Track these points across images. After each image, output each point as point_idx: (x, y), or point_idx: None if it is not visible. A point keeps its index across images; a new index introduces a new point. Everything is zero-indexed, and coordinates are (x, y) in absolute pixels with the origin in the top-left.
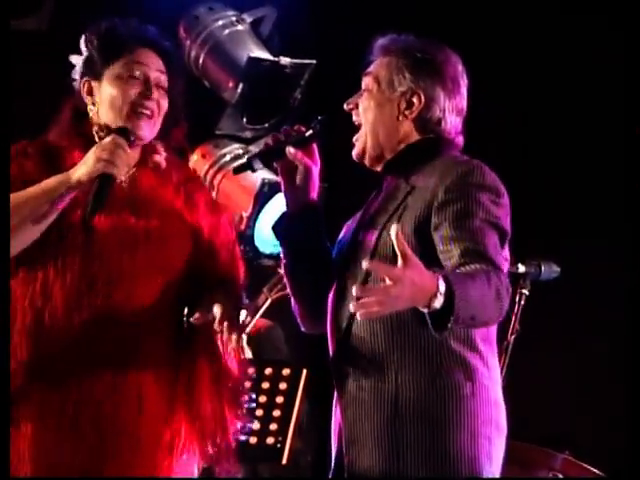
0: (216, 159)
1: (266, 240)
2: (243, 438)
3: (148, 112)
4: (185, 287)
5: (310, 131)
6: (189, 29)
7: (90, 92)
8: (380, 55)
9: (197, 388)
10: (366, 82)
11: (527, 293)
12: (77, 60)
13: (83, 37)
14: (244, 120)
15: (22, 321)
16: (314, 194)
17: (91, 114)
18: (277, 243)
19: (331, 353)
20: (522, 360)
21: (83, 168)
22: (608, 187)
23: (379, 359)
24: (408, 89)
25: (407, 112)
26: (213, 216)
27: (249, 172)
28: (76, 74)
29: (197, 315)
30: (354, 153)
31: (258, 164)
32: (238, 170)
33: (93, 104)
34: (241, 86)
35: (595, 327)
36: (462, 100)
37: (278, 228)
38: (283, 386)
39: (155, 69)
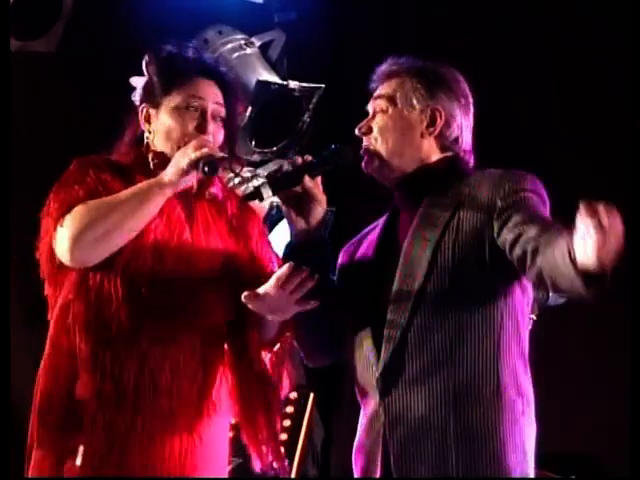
0: (225, 182)
1: None
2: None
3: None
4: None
5: (326, 160)
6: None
7: (148, 119)
8: (388, 78)
9: (252, 402)
10: (379, 104)
11: (535, 318)
12: (137, 82)
13: (144, 60)
14: (253, 143)
15: (85, 326)
16: (320, 225)
17: (147, 141)
18: None
19: (382, 370)
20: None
21: (172, 169)
22: (609, 192)
23: (435, 371)
24: (427, 107)
25: (431, 129)
26: (264, 246)
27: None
28: (136, 97)
29: (246, 294)
30: (368, 168)
31: (268, 191)
32: (247, 198)
33: (150, 132)
34: (250, 109)
35: (599, 354)
36: (472, 118)
37: (285, 258)
38: (290, 410)
39: (213, 101)
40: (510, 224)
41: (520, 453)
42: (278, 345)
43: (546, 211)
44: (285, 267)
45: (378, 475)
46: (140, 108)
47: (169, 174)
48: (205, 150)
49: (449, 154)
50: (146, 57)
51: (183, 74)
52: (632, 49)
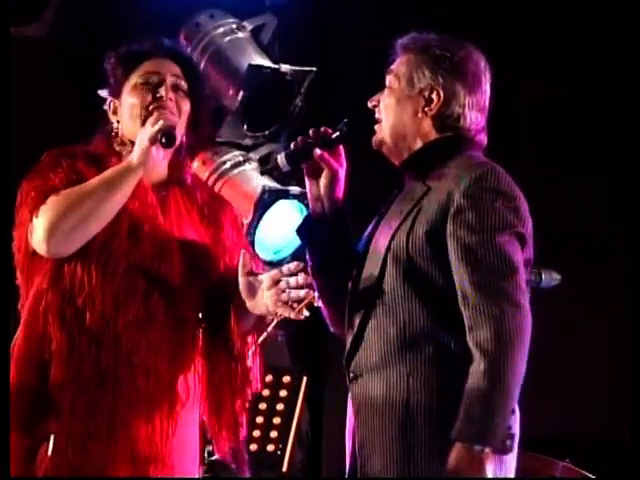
0: (216, 166)
1: (267, 247)
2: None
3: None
4: (211, 300)
5: (337, 133)
6: (190, 36)
7: (115, 111)
8: (401, 53)
9: (221, 387)
10: (388, 80)
11: None
12: (104, 92)
13: (105, 63)
14: (244, 127)
15: (59, 315)
16: (340, 197)
17: (116, 131)
18: (277, 250)
19: (346, 354)
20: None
21: (137, 148)
22: (609, 193)
23: (391, 362)
24: (427, 86)
25: (426, 109)
26: (237, 235)
27: (249, 179)
28: (105, 104)
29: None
30: (373, 142)
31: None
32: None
33: (118, 122)
34: (241, 93)
35: (596, 334)
36: (483, 96)
37: (302, 230)
38: (283, 393)
39: (171, 74)
40: (453, 254)
41: None
42: (252, 336)
43: (498, 208)
44: (286, 267)
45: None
46: (108, 105)
47: (135, 155)
48: (161, 122)
49: (448, 134)
50: (105, 59)
51: (139, 57)
52: (632, 49)
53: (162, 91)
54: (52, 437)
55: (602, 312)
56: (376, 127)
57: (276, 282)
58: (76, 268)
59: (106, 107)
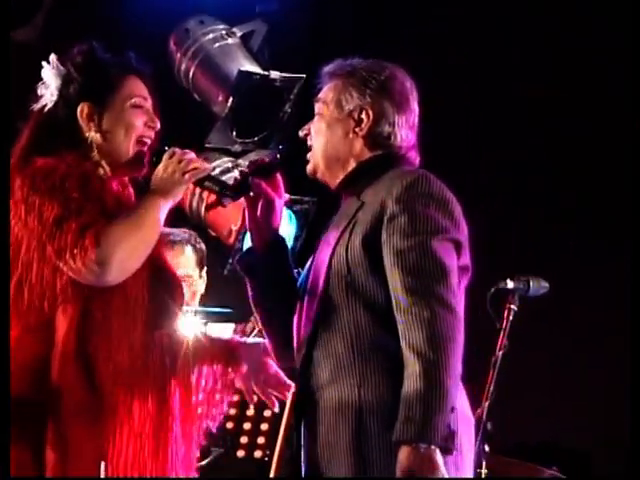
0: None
1: None
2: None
3: (149, 141)
4: None
5: (269, 161)
6: (179, 42)
7: (90, 117)
8: (328, 80)
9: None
10: (317, 107)
11: (515, 309)
12: (54, 78)
13: (69, 60)
14: (234, 134)
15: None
16: (277, 226)
17: (90, 139)
18: None
19: (297, 375)
20: (510, 376)
21: (171, 185)
22: (598, 202)
23: (341, 376)
24: (356, 106)
25: (357, 129)
26: None
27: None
28: (50, 90)
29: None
30: (307, 170)
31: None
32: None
33: (96, 131)
34: (231, 100)
35: (584, 342)
36: (412, 114)
37: (242, 263)
38: None
39: (148, 98)
40: (387, 259)
41: None
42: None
43: (431, 212)
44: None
45: None
46: (80, 107)
47: (168, 191)
48: (205, 172)
49: (379, 152)
50: (72, 56)
51: (126, 69)
52: (632, 49)
53: (157, 122)
54: (102, 465)
55: (600, 317)
56: (308, 156)
57: None
58: (110, 300)
59: (81, 113)
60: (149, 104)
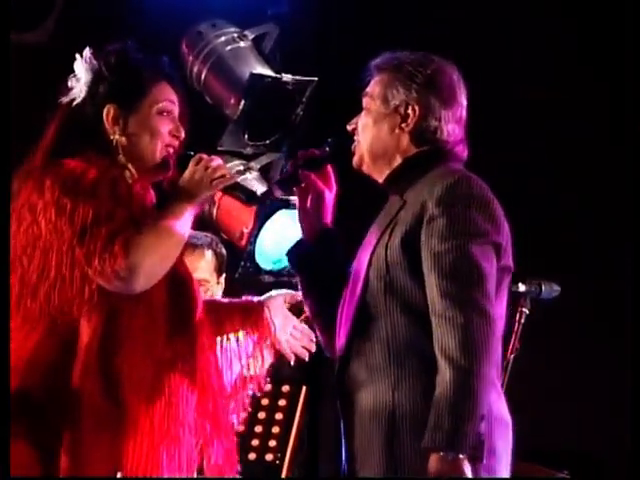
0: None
1: (267, 256)
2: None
3: (172, 150)
4: None
5: (321, 153)
6: (191, 45)
7: (116, 120)
8: (375, 74)
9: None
10: (365, 101)
11: (527, 312)
12: (85, 72)
13: (102, 58)
14: (245, 137)
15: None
16: (328, 219)
17: (116, 142)
18: (278, 259)
19: (336, 371)
20: (522, 378)
21: (199, 191)
22: (609, 205)
23: (377, 377)
24: (402, 102)
25: (403, 125)
26: None
27: (250, 188)
28: (80, 85)
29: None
30: (353, 163)
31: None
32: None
33: (120, 135)
34: (243, 102)
35: (596, 345)
36: (460, 108)
37: (292, 255)
38: (283, 403)
39: (176, 105)
40: (426, 263)
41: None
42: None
43: (471, 215)
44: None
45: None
46: (106, 107)
47: (195, 196)
48: (233, 180)
49: (425, 148)
50: (104, 56)
51: (157, 73)
52: (633, 49)
53: (181, 132)
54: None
55: (603, 322)
56: (353, 148)
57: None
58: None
59: (107, 114)
60: (176, 111)
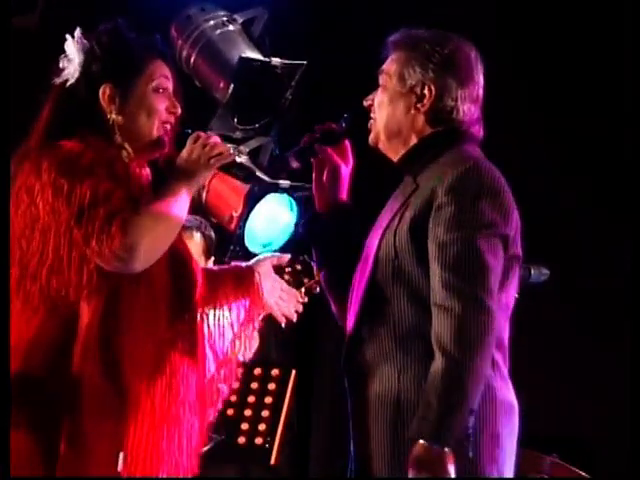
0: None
1: (256, 240)
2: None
3: (169, 126)
4: None
5: (338, 128)
6: (181, 29)
7: (112, 99)
8: (392, 51)
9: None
10: (381, 78)
11: (516, 296)
12: (77, 53)
13: (95, 38)
14: (235, 120)
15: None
16: (343, 193)
17: (112, 121)
18: (267, 243)
19: (343, 354)
20: (513, 363)
21: (197, 171)
22: (598, 188)
23: (383, 361)
24: (418, 82)
25: (419, 105)
26: None
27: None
28: (73, 65)
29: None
30: (369, 140)
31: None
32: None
33: (117, 113)
34: (232, 86)
35: (588, 329)
36: (476, 87)
37: (304, 226)
38: (272, 387)
39: (171, 81)
40: (430, 252)
41: None
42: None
43: (480, 205)
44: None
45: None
46: (102, 88)
47: (193, 174)
48: (231, 157)
49: (440, 128)
50: (97, 35)
51: (151, 51)
52: (632, 49)
53: (178, 107)
54: (121, 455)
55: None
56: (370, 125)
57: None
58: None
59: (104, 93)
60: (171, 88)
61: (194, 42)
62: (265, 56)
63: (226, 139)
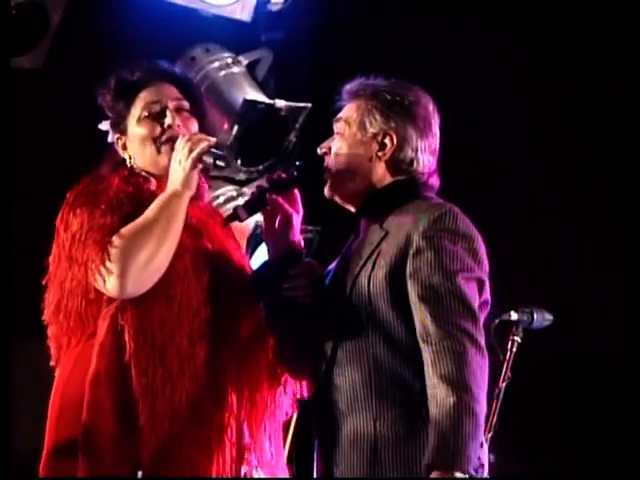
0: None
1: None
2: None
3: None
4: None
5: (288, 177)
6: (185, 70)
7: (124, 147)
8: (350, 99)
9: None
10: (338, 126)
11: (519, 340)
12: (105, 125)
13: (99, 97)
14: (238, 162)
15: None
16: (295, 242)
17: (131, 165)
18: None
19: (312, 399)
20: (514, 407)
21: (178, 176)
22: (601, 234)
23: (357, 407)
24: (380, 130)
25: (380, 154)
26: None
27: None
28: (109, 137)
29: None
30: (325, 191)
31: (244, 214)
32: (227, 220)
33: (130, 157)
34: (236, 128)
35: (588, 374)
36: (434, 139)
37: (255, 278)
38: None
39: (171, 98)
40: (413, 295)
41: None
42: None
43: (457, 250)
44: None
45: None
46: (115, 141)
47: (178, 182)
48: (203, 145)
49: (401, 178)
50: (98, 93)
51: (135, 88)
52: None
53: (169, 120)
54: (139, 473)
55: (602, 346)
56: (326, 175)
57: None
58: (151, 306)
59: (115, 144)
60: (172, 105)
61: (198, 83)
62: (269, 98)
63: (229, 181)
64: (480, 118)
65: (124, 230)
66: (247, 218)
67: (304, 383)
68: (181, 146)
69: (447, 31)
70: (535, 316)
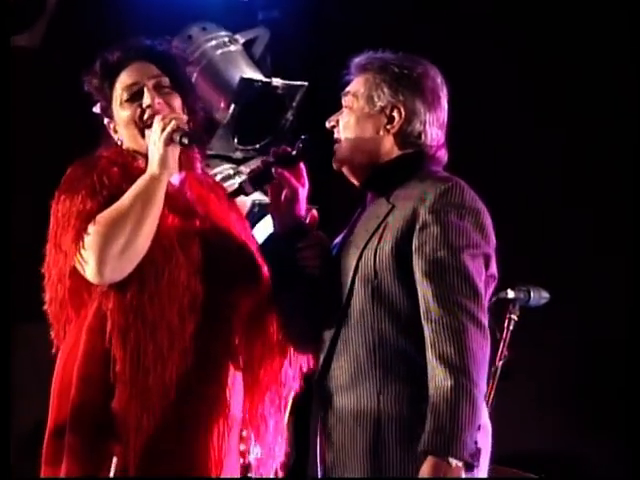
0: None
1: None
2: None
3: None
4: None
5: (294, 151)
6: (182, 48)
7: (115, 130)
8: (358, 73)
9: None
10: (346, 100)
11: (516, 319)
12: (98, 109)
13: (87, 86)
14: (235, 141)
15: (122, 334)
16: (301, 215)
17: (121, 146)
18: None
19: (316, 374)
20: (510, 385)
21: (154, 157)
22: (600, 212)
23: (361, 381)
24: (388, 104)
25: (388, 127)
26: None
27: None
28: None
29: None
30: (334, 162)
31: (249, 188)
32: (232, 195)
33: (119, 139)
34: (233, 107)
35: (585, 352)
36: (443, 113)
37: (263, 250)
38: None
39: (149, 76)
40: (418, 270)
41: None
42: None
43: (464, 225)
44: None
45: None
46: (107, 125)
47: (155, 164)
48: (172, 124)
49: (409, 151)
50: (84, 81)
51: (115, 69)
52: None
53: (147, 99)
54: (114, 460)
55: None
56: (335, 147)
57: None
58: (137, 286)
59: (108, 127)
60: (150, 83)
61: (195, 62)
62: (266, 76)
63: (226, 159)
64: (483, 101)
65: (99, 217)
66: (253, 192)
67: (310, 358)
68: (154, 127)
69: (451, 12)
70: (532, 294)
